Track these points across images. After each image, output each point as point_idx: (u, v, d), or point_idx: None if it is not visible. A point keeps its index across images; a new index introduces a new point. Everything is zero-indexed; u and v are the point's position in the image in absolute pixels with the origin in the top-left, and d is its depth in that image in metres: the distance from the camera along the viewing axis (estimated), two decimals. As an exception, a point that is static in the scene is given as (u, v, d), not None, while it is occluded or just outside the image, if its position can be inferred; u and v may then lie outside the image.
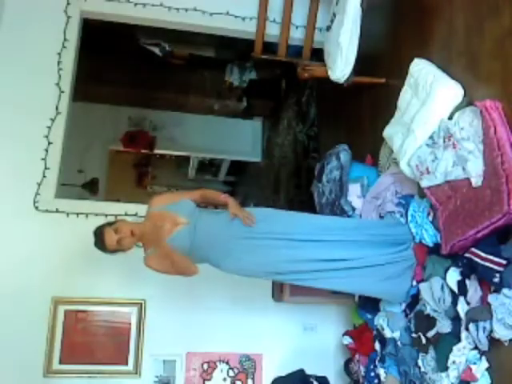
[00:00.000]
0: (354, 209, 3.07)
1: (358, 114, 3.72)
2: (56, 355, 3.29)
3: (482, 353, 2.19)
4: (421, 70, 2.57)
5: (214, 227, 2.61)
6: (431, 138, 2.37)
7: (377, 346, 2.95)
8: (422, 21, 2.84)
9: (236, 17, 3.91)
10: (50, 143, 3.51)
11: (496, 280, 2.05)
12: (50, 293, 3.33)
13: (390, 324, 2.79)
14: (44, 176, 3.47)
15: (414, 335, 2.58)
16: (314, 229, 2.64)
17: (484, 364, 2.17)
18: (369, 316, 3.03)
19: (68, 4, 3.71)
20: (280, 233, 2.59)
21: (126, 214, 3.46)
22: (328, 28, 3.39)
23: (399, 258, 2.63)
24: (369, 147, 3.36)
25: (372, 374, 2.98)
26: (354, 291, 2.90)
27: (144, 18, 3.90)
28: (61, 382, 3.29)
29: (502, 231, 2.07)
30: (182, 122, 7.04)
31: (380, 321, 2.87)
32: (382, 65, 3.36)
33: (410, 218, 2.63)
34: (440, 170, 2.28)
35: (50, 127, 3.53)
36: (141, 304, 3.43)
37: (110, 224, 2.63)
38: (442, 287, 2.35)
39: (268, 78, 6.29)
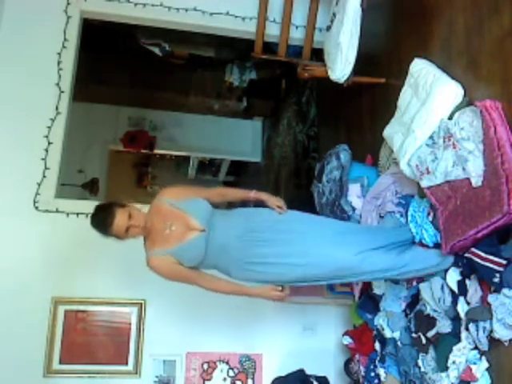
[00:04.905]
0: (354, 209, 3.07)
1: (357, 114, 3.72)
2: (56, 355, 3.29)
3: (482, 353, 2.19)
4: (421, 69, 2.57)
5: (228, 237, 2.37)
6: (431, 137, 2.37)
7: (377, 346, 2.95)
8: (422, 21, 2.84)
9: (236, 17, 3.92)
10: (50, 143, 3.51)
11: (496, 280, 2.05)
12: (50, 293, 3.33)
13: (390, 324, 2.79)
14: (44, 176, 3.47)
15: (414, 335, 2.58)
16: (330, 235, 2.44)
17: (484, 364, 2.17)
18: (369, 316, 3.03)
19: (68, 4, 3.72)
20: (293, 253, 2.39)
21: (125, 214, 3.46)
22: (328, 28, 3.39)
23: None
24: (369, 147, 3.36)
25: (372, 374, 2.98)
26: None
27: (144, 18, 3.90)
28: (61, 382, 3.29)
29: (502, 231, 2.07)
30: (182, 122, 7.04)
31: (380, 321, 2.87)
32: (382, 65, 3.36)
33: (410, 218, 2.62)
34: (440, 169, 2.28)
35: (50, 127, 3.53)
36: (141, 304, 3.43)
37: (119, 205, 2.34)
38: (442, 287, 2.35)
39: (268, 77, 6.30)
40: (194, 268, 2.42)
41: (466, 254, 2.18)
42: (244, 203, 2.85)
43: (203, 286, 2.45)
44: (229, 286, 2.45)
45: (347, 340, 3.25)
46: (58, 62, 3.64)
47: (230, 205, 2.83)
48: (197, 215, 2.35)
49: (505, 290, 2.01)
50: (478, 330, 2.14)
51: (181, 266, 2.37)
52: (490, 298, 2.07)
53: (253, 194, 2.55)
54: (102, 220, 2.30)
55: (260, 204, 2.59)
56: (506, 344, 2.05)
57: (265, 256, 2.38)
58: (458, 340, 2.26)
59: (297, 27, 3.92)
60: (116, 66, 6.15)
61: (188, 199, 2.40)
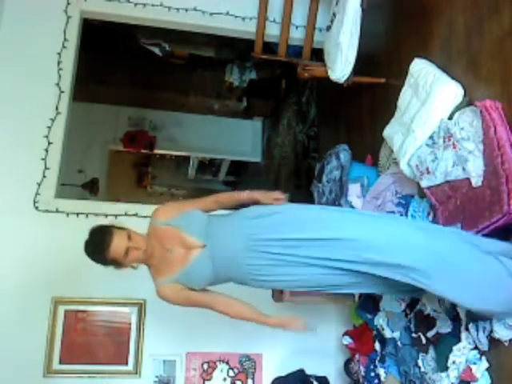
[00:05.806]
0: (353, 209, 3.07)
1: (357, 114, 3.72)
2: (56, 355, 3.29)
3: (482, 353, 2.19)
4: (421, 69, 2.57)
5: (232, 246, 2.12)
6: (431, 137, 2.37)
7: (377, 346, 2.95)
8: (422, 21, 2.84)
9: (236, 17, 3.92)
10: (50, 143, 3.51)
11: (496, 280, 2.05)
12: (50, 293, 3.33)
13: (390, 324, 2.79)
14: (44, 176, 3.47)
15: (414, 335, 2.58)
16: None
17: (484, 364, 2.17)
18: (369, 316, 3.03)
19: (68, 4, 3.72)
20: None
21: (125, 214, 3.46)
22: (328, 28, 3.39)
23: None
24: (369, 147, 3.36)
25: (372, 374, 2.98)
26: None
27: (144, 18, 3.90)
28: (61, 382, 3.29)
29: (502, 231, 2.07)
30: (181, 122, 7.05)
31: (380, 321, 2.87)
32: (382, 65, 3.36)
33: (409, 218, 2.63)
34: (440, 170, 2.28)
35: (50, 127, 3.53)
36: (141, 304, 3.43)
37: (117, 227, 2.17)
38: (442, 287, 2.35)
39: (268, 77, 6.30)
40: (208, 291, 2.26)
41: (466, 254, 2.18)
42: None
43: (219, 311, 2.27)
44: (247, 313, 2.23)
45: (347, 340, 3.25)
46: (58, 62, 3.64)
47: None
48: (193, 231, 2.16)
49: (505, 290, 2.01)
50: (478, 330, 2.14)
51: (191, 292, 2.21)
52: (490, 298, 2.07)
53: (246, 195, 2.30)
54: (99, 242, 2.12)
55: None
56: (506, 344, 2.06)
57: (274, 271, 2.14)
58: (458, 340, 2.26)
59: (297, 27, 3.92)
60: (116, 66, 6.16)
61: (180, 214, 2.20)
